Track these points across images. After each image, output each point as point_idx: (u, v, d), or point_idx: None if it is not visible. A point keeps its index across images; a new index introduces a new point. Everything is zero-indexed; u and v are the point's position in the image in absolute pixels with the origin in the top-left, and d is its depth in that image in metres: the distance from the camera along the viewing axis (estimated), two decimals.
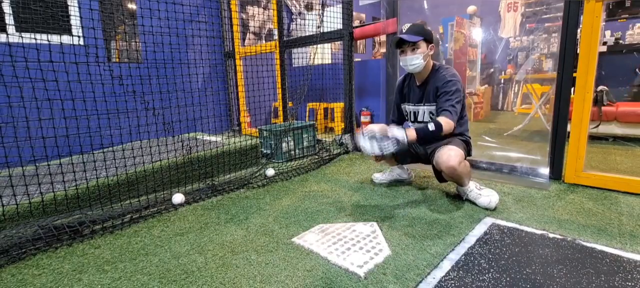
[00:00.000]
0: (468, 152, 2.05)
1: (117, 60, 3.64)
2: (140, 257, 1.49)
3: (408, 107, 2.16)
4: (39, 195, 1.76)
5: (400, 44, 1.95)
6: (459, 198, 2.03)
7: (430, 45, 1.94)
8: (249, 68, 3.60)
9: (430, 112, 2.03)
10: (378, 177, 2.43)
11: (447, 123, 1.81)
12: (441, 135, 1.84)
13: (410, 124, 2.20)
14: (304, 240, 1.58)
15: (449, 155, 1.85)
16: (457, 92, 1.89)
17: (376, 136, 1.74)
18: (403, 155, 2.21)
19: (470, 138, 2.08)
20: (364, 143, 1.75)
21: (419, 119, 2.10)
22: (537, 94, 4.30)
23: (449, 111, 1.85)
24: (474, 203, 1.94)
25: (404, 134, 1.74)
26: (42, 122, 1.77)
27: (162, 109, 2.72)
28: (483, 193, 1.91)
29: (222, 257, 1.46)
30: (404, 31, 1.96)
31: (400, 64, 2.03)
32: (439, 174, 2.04)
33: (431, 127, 1.78)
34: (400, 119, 2.31)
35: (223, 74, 4.59)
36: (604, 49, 4.25)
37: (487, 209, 1.86)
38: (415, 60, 1.92)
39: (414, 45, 1.91)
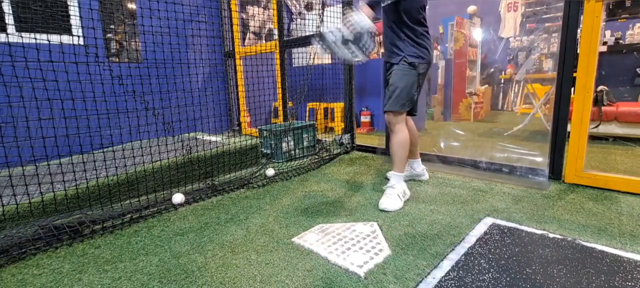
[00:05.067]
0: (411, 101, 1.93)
1: (117, 60, 3.64)
2: (140, 257, 1.49)
3: None
4: (39, 195, 1.76)
5: None
6: (459, 198, 2.03)
7: None
8: (249, 68, 3.60)
9: None
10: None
11: None
12: None
13: None
14: (304, 240, 1.58)
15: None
16: None
17: (347, 37, 1.39)
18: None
19: (423, 60, 1.93)
20: (341, 51, 1.41)
21: None
22: (538, 95, 4.30)
23: None
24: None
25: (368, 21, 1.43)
26: (42, 121, 1.77)
27: (162, 108, 2.72)
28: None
29: (222, 257, 1.46)
30: None
31: None
32: None
33: None
34: None
35: (223, 74, 4.59)
36: (604, 48, 4.25)
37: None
38: None
39: None
